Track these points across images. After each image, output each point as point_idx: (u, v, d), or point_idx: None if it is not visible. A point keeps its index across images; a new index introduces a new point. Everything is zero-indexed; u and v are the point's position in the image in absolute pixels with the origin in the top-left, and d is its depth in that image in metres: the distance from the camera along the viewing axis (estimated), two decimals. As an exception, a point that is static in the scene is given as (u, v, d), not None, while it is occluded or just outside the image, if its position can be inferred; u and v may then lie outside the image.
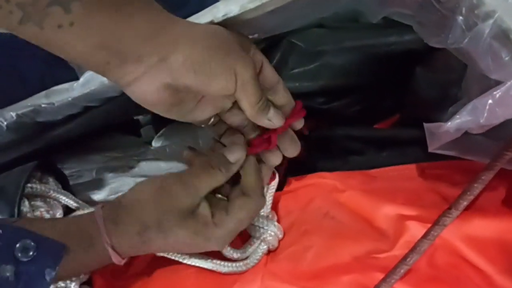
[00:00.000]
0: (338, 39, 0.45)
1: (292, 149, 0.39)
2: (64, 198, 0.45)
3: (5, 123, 0.48)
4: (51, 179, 0.48)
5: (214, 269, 0.39)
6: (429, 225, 0.34)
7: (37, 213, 0.43)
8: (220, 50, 0.32)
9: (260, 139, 0.38)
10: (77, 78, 0.45)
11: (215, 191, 0.37)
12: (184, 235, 0.34)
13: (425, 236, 0.34)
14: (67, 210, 0.46)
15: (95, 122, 0.48)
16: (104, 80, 0.42)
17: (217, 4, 0.35)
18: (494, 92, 0.27)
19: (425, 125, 0.32)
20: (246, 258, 0.39)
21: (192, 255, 0.39)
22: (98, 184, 0.55)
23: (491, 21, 0.26)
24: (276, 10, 0.34)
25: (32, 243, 0.30)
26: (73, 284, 0.39)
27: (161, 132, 0.60)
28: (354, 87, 0.47)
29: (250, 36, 0.41)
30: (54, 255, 0.31)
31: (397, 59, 0.44)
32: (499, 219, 0.34)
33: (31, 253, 0.30)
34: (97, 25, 0.28)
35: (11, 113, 0.47)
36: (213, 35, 0.32)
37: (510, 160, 0.32)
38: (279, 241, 0.40)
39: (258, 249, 0.40)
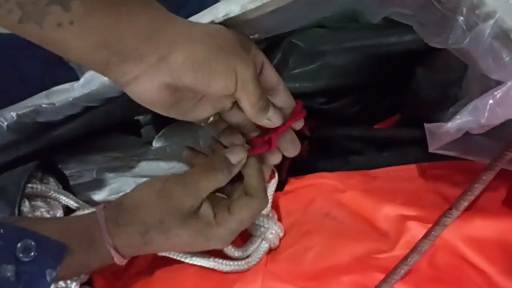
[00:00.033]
0: (338, 39, 0.45)
1: (292, 149, 0.39)
2: (64, 198, 0.45)
3: (6, 123, 0.48)
4: (51, 179, 0.48)
5: (216, 268, 0.39)
6: (429, 226, 0.34)
7: (38, 213, 0.43)
8: (220, 50, 0.32)
9: (260, 140, 0.38)
10: (77, 78, 0.45)
11: (216, 190, 0.37)
12: (186, 235, 0.35)
13: (425, 236, 0.34)
14: (68, 210, 0.46)
15: (95, 123, 0.48)
16: (105, 80, 0.42)
17: (218, 4, 0.35)
18: (495, 92, 0.27)
19: (426, 125, 0.32)
20: (248, 256, 0.39)
21: (193, 254, 0.39)
22: (98, 184, 0.55)
23: (491, 21, 0.26)
24: (276, 10, 0.34)
25: (33, 243, 0.30)
26: (74, 284, 0.39)
27: (161, 132, 0.60)
28: (355, 87, 0.47)
29: (251, 37, 0.41)
30: (55, 255, 0.31)
31: (397, 59, 0.44)
32: (499, 220, 0.34)
33: (32, 253, 0.30)
34: (97, 24, 0.28)
35: (12, 113, 0.47)
36: (214, 35, 0.32)
37: (511, 160, 0.32)
38: (280, 239, 0.40)
39: (259, 248, 0.40)
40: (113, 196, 0.54)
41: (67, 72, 0.57)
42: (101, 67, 0.31)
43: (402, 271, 0.33)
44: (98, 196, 0.54)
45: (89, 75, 0.44)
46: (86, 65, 0.31)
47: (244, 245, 0.40)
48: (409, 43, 0.43)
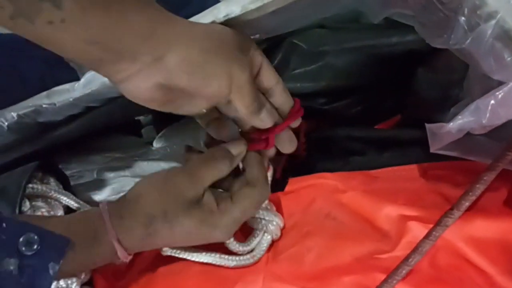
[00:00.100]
0: (339, 39, 0.45)
1: (288, 146, 0.40)
2: (65, 198, 0.45)
3: (6, 123, 0.48)
4: (52, 180, 0.48)
5: (222, 264, 0.39)
6: (431, 226, 0.34)
7: (38, 213, 0.43)
8: (216, 53, 0.32)
9: (258, 138, 0.38)
10: (78, 79, 0.45)
11: (217, 186, 0.37)
12: (189, 224, 0.35)
13: (427, 236, 0.34)
14: (68, 210, 0.46)
15: (96, 123, 0.48)
16: (106, 80, 0.42)
17: (218, 4, 0.35)
18: (497, 93, 0.27)
19: (427, 125, 0.32)
20: (252, 250, 0.40)
21: (198, 251, 0.39)
22: (99, 184, 0.55)
23: (493, 22, 0.26)
24: (277, 11, 0.34)
25: (36, 237, 0.30)
26: (74, 284, 0.39)
27: (162, 132, 0.60)
28: (356, 88, 0.47)
29: (252, 37, 0.41)
30: (58, 249, 0.31)
31: (399, 59, 0.44)
32: (501, 220, 0.34)
33: (34, 246, 0.30)
34: (90, 22, 0.27)
35: (12, 113, 0.47)
36: (211, 37, 0.32)
37: (512, 160, 0.32)
38: (281, 230, 0.41)
39: (262, 240, 0.40)
40: (113, 197, 0.54)
41: (68, 72, 0.57)
42: (94, 65, 0.30)
43: (403, 272, 0.33)
44: (99, 196, 0.54)
45: (89, 75, 0.44)
46: (79, 61, 0.31)
47: (247, 240, 0.40)
48: (410, 43, 0.43)
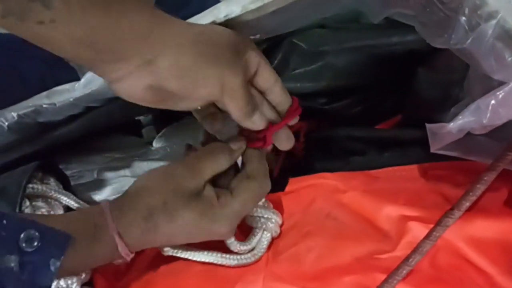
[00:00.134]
0: (339, 39, 0.45)
1: (286, 143, 0.40)
2: (65, 198, 0.45)
3: (6, 123, 0.48)
4: (52, 180, 0.48)
5: (223, 263, 0.39)
6: (431, 226, 0.34)
7: (38, 213, 0.43)
8: (208, 58, 0.32)
9: (255, 136, 0.38)
10: (78, 79, 0.45)
11: (218, 185, 0.37)
12: (190, 216, 0.35)
13: (427, 237, 0.34)
14: (68, 210, 0.46)
15: (96, 123, 0.48)
16: (106, 80, 0.42)
17: (219, 4, 0.35)
18: (497, 93, 0.27)
19: (427, 125, 0.32)
20: (253, 249, 0.40)
21: (199, 250, 0.39)
22: (99, 184, 0.55)
23: (494, 22, 0.26)
24: (277, 11, 0.34)
25: (37, 233, 0.30)
26: (75, 284, 0.39)
27: (161, 132, 0.60)
28: (356, 88, 0.47)
29: (252, 37, 0.41)
30: (59, 245, 0.31)
31: (399, 59, 0.44)
32: (501, 220, 0.34)
33: (35, 243, 0.30)
34: (80, 23, 0.27)
35: (12, 113, 0.47)
36: (205, 40, 0.32)
37: (513, 160, 0.32)
38: (280, 227, 0.41)
39: (262, 238, 0.40)
40: (113, 197, 0.53)
41: (68, 72, 0.57)
42: (85, 63, 0.31)
43: (404, 272, 0.33)
44: (99, 196, 0.54)
45: (90, 75, 0.44)
46: (71, 60, 0.31)
47: (247, 239, 0.40)
48: (410, 43, 0.43)
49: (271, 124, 0.38)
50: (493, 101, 0.27)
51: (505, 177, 0.34)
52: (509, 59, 0.26)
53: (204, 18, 0.35)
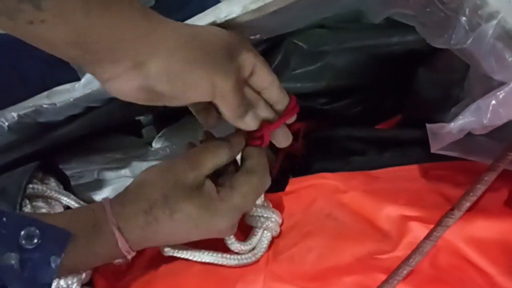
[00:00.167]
0: (340, 39, 0.45)
1: (283, 141, 0.40)
2: (65, 198, 0.45)
3: (7, 123, 0.48)
4: (52, 180, 0.48)
5: (224, 263, 0.39)
6: (431, 226, 0.34)
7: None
8: (199, 61, 0.32)
9: (253, 133, 0.39)
10: (78, 79, 0.45)
11: (217, 182, 0.38)
12: (190, 210, 0.34)
13: (427, 237, 0.34)
14: (69, 210, 0.46)
15: (96, 123, 0.48)
16: (106, 80, 0.42)
17: (219, 4, 0.35)
18: (498, 93, 0.27)
19: (428, 125, 0.32)
20: (253, 249, 0.40)
21: (200, 250, 0.39)
22: (99, 184, 0.55)
23: (494, 22, 0.26)
24: (278, 11, 0.34)
25: (37, 231, 0.30)
26: (75, 284, 0.38)
27: (161, 132, 0.60)
28: (356, 88, 0.47)
29: (252, 37, 0.41)
30: (59, 242, 0.31)
31: (399, 59, 0.44)
32: (501, 220, 0.34)
33: (35, 240, 0.30)
34: (71, 25, 0.27)
35: (13, 113, 0.47)
36: (197, 43, 0.32)
37: (513, 161, 0.32)
38: (280, 226, 0.41)
39: (263, 238, 0.40)
40: (114, 197, 0.54)
41: (68, 72, 0.57)
42: (77, 63, 0.31)
43: (404, 272, 0.33)
44: (99, 196, 0.54)
45: (90, 75, 0.44)
46: (63, 59, 0.31)
47: (247, 238, 0.40)
48: (411, 43, 0.43)
49: (269, 122, 0.38)
50: (493, 101, 0.27)
51: (506, 177, 0.34)
52: (510, 59, 0.26)
53: (204, 18, 0.35)
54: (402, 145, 0.43)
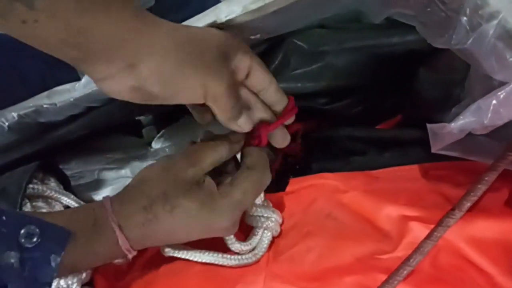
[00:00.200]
0: (340, 39, 0.45)
1: (281, 142, 0.40)
2: (65, 199, 0.45)
3: (7, 123, 0.48)
4: (52, 180, 0.48)
5: (224, 263, 0.39)
6: (432, 226, 0.34)
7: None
8: (191, 64, 0.32)
9: (251, 134, 0.39)
10: (78, 79, 0.45)
11: (218, 181, 0.37)
12: (190, 206, 0.34)
13: (428, 237, 0.34)
14: (69, 211, 0.46)
15: (97, 123, 0.48)
16: (106, 80, 0.42)
17: (219, 5, 0.35)
18: (498, 93, 0.27)
19: (428, 125, 0.32)
20: (254, 249, 0.40)
21: (200, 251, 0.39)
22: (99, 185, 0.55)
23: (495, 22, 0.26)
24: (278, 11, 0.34)
25: (37, 229, 0.30)
26: (75, 284, 0.38)
27: (161, 133, 0.60)
28: (356, 88, 0.47)
29: (252, 37, 0.41)
30: (59, 241, 0.31)
31: (400, 59, 0.44)
32: (502, 220, 0.34)
33: (35, 239, 0.29)
34: (63, 25, 0.27)
35: (13, 113, 0.47)
36: (191, 45, 0.32)
37: (514, 161, 0.32)
38: (281, 226, 0.41)
39: (263, 238, 0.40)
40: (114, 197, 0.54)
41: (68, 72, 0.57)
42: (70, 62, 0.31)
43: (405, 272, 0.33)
44: (99, 196, 0.54)
45: (90, 75, 0.44)
46: (58, 57, 0.31)
47: (248, 238, 0.40)
48: (411, 43, 0.43)
49: (267, 123, 0.38)
50: (494, 101, 0.27)
51: (506, 177, 0.34)
52: (510, 59, 0.26)
53: (204, 18, 0.35)
54: (402, 145, 0.43)
